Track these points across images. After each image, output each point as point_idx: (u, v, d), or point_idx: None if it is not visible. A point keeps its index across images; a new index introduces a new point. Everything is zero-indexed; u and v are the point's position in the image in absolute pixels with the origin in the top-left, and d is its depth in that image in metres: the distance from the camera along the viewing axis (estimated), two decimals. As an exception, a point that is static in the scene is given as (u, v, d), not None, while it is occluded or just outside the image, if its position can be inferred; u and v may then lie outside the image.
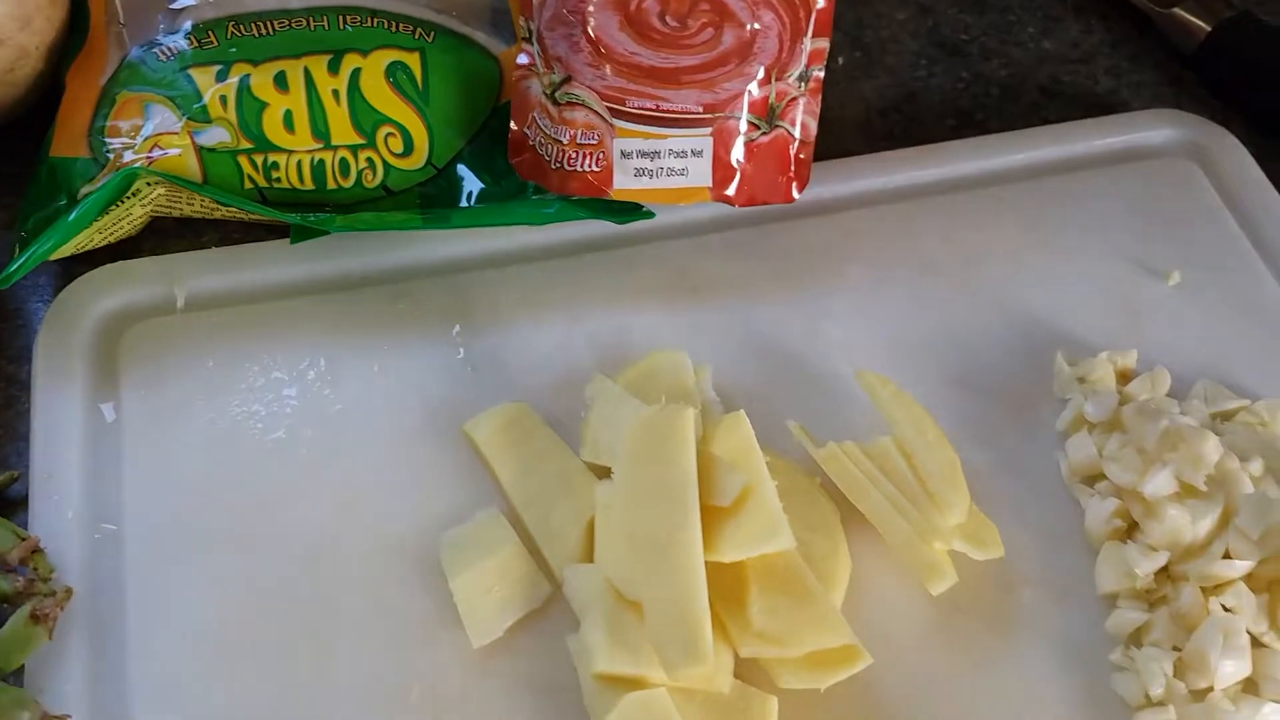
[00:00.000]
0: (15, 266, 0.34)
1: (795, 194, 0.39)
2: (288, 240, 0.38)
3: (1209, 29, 0.48)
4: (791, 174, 0.39)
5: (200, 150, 0.37)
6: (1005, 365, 0.39)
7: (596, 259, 0.40)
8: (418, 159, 0.39)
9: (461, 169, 0.40)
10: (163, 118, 0.37)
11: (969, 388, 0.38)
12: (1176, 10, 0.49)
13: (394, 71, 0.39)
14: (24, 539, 0.31)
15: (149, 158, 0.36)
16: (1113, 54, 0.50)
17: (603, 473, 0.34)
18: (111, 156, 0.36)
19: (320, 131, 0.38)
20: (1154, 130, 0.45)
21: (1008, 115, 0.47)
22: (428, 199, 0.39)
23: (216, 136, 0.37)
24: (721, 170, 0.37)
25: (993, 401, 0.38)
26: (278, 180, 0.38)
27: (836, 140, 0.44)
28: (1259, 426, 0.37)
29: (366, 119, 0.38)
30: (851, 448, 0.34)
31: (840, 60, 0.48)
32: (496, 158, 0.40)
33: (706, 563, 0.31)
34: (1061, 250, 0.42)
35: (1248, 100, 0.48)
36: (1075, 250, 0.42)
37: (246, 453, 0.35)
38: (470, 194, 0.40)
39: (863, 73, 0.48)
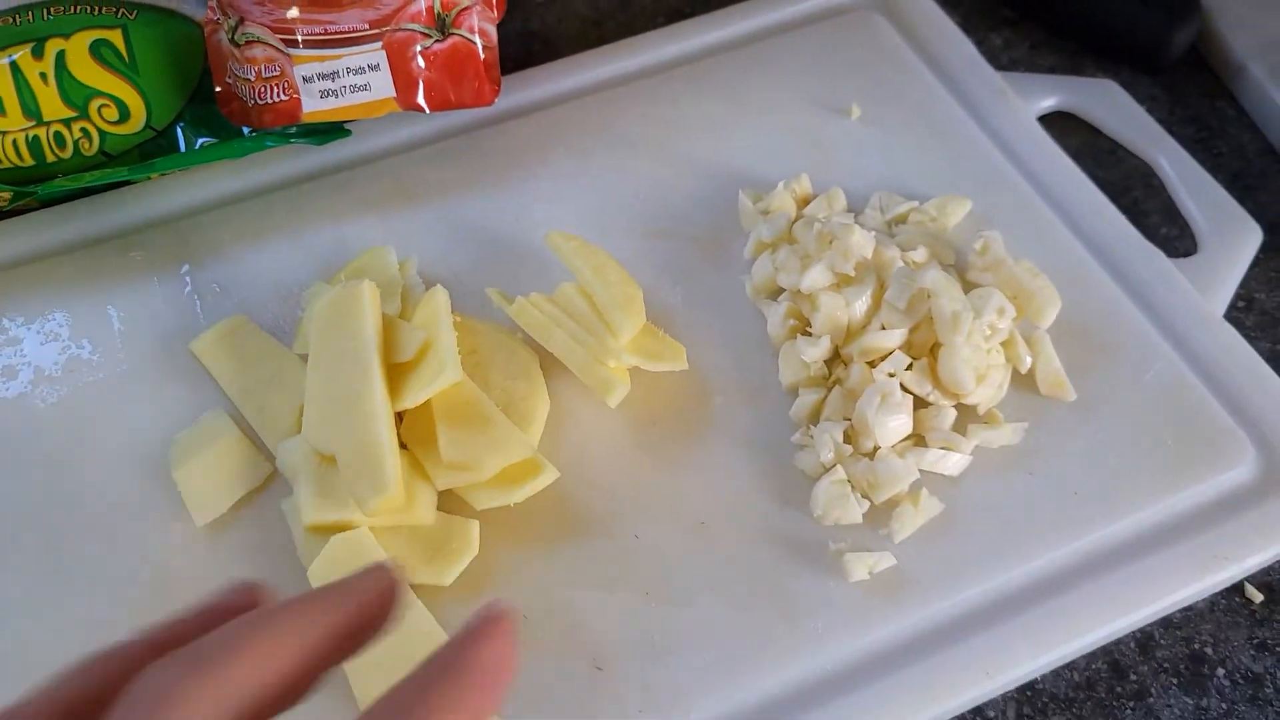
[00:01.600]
0: None
1: (492, 97, 0.42)
2: (24, 216, 0.41)
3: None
4: (485, 78, 0.42)
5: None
6: (700, 214, 0.42)
7: (315, 186, 0.43)
8: (135, 124, 0.42)
9: (182, 128, 0.43)
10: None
11: (668, 237, 0.41)
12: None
13: (98, 48, 0.42)
14: None
15: None
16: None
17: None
18: None
19: (31, 111, 0.41)
20: (841, -10, 0.49)
21: (718, 6, 0.50)
22: (148, 157, 0.43)
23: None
24: (403, 79, 0.41)
25: (689, 246, 0.41)
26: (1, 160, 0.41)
27: (555, 55, 0.47)
28: (929, 223, 0.40)
29: (77, 94, 0.42)
30: (538, 298, 0.37)
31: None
32: (213, 115, 0.43)
33: (400, 413, 0.34)
34: (753, 109, 0.45)
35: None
36: (765, 107, 0.45)
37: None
38: (196, 149, 0.43)
39: (575, -11, 0.51)
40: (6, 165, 0.41)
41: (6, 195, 0.40)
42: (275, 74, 0.40)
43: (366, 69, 0.40)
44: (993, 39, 0.50)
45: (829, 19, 0.48)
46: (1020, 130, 0.43)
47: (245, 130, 0.43)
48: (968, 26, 0.49)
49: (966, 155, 0.43)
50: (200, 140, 0.43)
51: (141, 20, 0.43)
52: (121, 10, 0.43)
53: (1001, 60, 0.49)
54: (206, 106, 0.43)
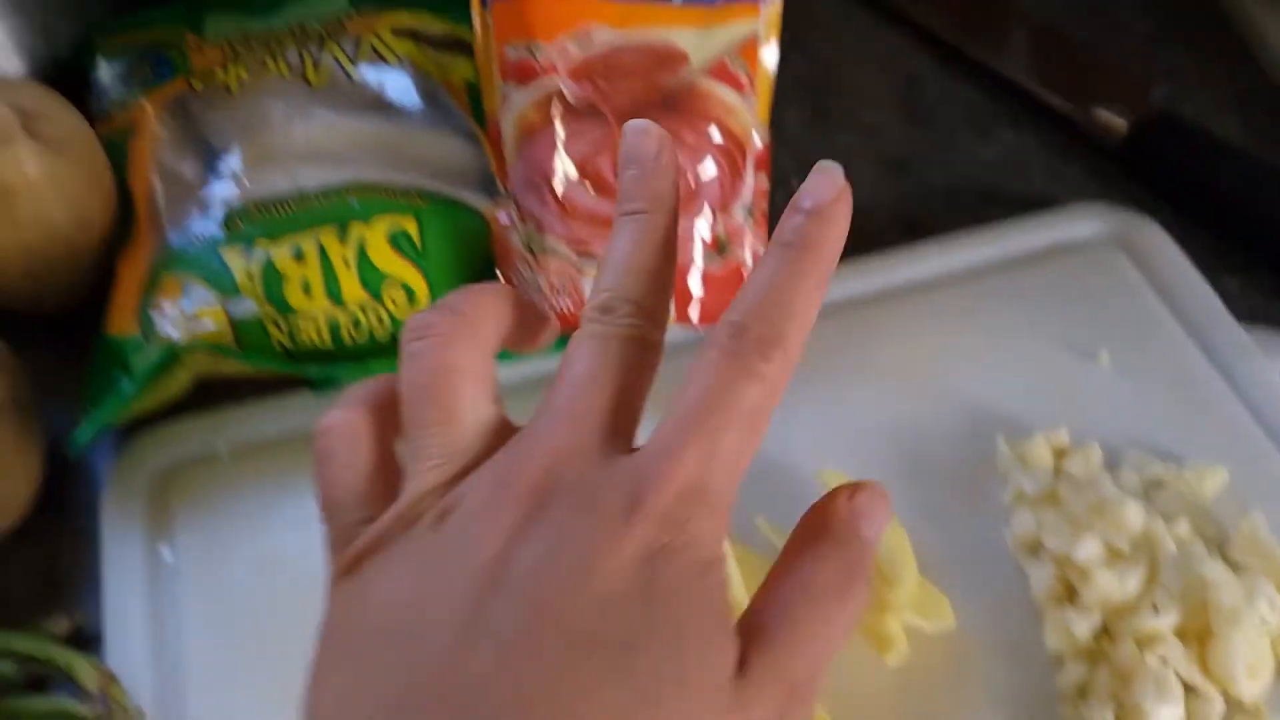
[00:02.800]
0: (81, 435, 0.40)
1: (753, 312, 0.44)
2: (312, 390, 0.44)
3: (1128, 126, 0.53)
4: (749, 295, 0.44)
5: (233, 321, 0.43)
6: (953, 450, 0.43)
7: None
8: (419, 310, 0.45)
9: (459, 314, 0.46)
10: (200, 295, 0.43)
11: (921, 472, 0.42)
12: (1097, 110, 0.54)
13: (395, 236, 0.45)
14: (100, 670, 0.36)
15: (190, 331, 0.42)
16: (1044, 155, 0.55)
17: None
18: (158, 331, 0.43)
19: (334, 294, 0.44)
20: (1082, 224, 0.50)
21: (951, 221, 0.52)
22: (431, 343, 0.45)
23: (246, 308, 0.43)
24: (682, 297, 0.43)
25: (943, 483, 0.42)
26: (300, 340, 0.44)
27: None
28: (1186, 491, 0.41)
29: (373, 280, 0.44)
30: (811, 537, 0.39)
31: (794, 182, 0.54)
32: (490, 302, 0.46)
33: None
34: (1000, 342, 0.46)
35: (1169, 189, 0.52)
36: (1012, 341, 0.46)
37: (286, 580, 0.40)
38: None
39: (815, 194, 0.53)
40: (306, 344, 0.44)
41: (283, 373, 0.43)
42: (566, 284, 0.42)
43: (652, 288, 0.42)
44: (1226, 282, 0.50)
45: (1071, 254, 0.49)
46: (1272, 395, 0.44)
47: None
48: (1199, 268, 0.50)
49: (1218, 416, 0.43)
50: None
51: (432, 209, 0.46)
52: (415, 197, 0.46)
53: (1239, 308, 0.50)
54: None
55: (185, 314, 0.43)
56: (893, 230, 0.52)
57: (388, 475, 0.26)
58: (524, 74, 0.41)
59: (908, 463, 0.43)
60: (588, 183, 0.42)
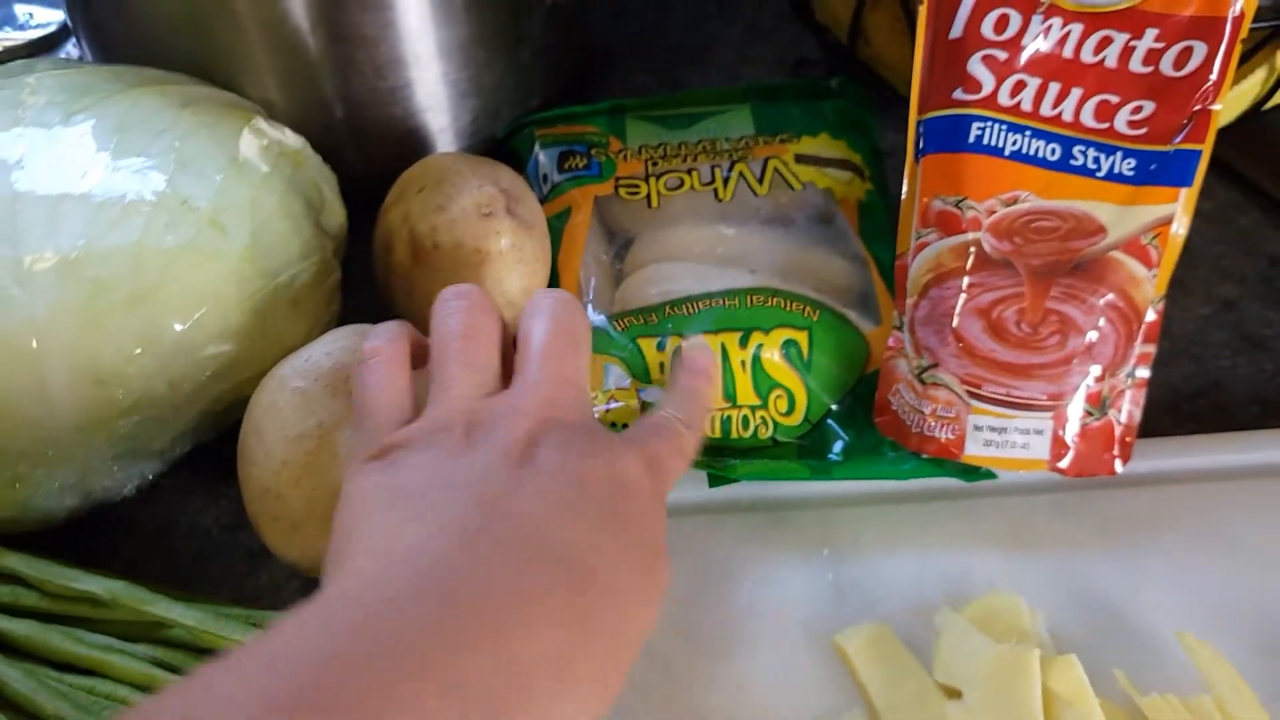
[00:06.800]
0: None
1: (1118, 468, 0.46)
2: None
3: None
4: (1115, 452, 0.46)
5: (642, 404, 0.48)
6: (1312, 641, 0.43)
7: (940, 507, 0.48)
8: (797, 417, 0.49)
9: (830, 425, 0.50)
10: (617, 376, 0.49)
11: (1275, 657, 0.43)
12: None
13: (787, 347, 0.50)
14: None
15: (606, 408, 0.48)
16: None
17: (952, 693, 0.41)
18: (580, 400, 0.49)
19: (729, 394, 0.49)
20: None
21: (1312, 407, 0.53)
22: (803, 450, 0.49)
23: (654, 395, 0.49)
24: (1058, 447, 0.45)
25: (1301, 673, 0.43)
26: (695, 426, 0.49)
27: (1148, 419, 0.51)
28: None
29: (764, 384, 0.49)
30: (1174, 700, 0.40)
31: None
32: (857, 416, 0.50)
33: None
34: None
35: None
36: (1381, 540, 0.46)
37: (654, 638, 0.44)
38: (836, 446, 0.49)
39: (1171, 361, 0.55)
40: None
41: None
42: (950, 416, 0.46)
43: (1031, 432, 0.45)
44: None
45: None
46: None
47: (886, 442, 0.48)
48: None
49: None
50: (840, 440, 0.49)
51: (822, 323, 0.50)
52: (808, 310, 0.50)
53: None
54: (848, 409, 0.50)
55: (603, 392, 0.49)
56: (1249, 406, 0.53)
57: (411, 398, 0.36)
58: (947, 224, 0.45)
59: (1264, 642, 0.43)
60: (989, 328, 0.45)
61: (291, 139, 0.49)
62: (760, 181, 0.55)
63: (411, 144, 0.59)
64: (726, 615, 0.45)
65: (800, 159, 0.57)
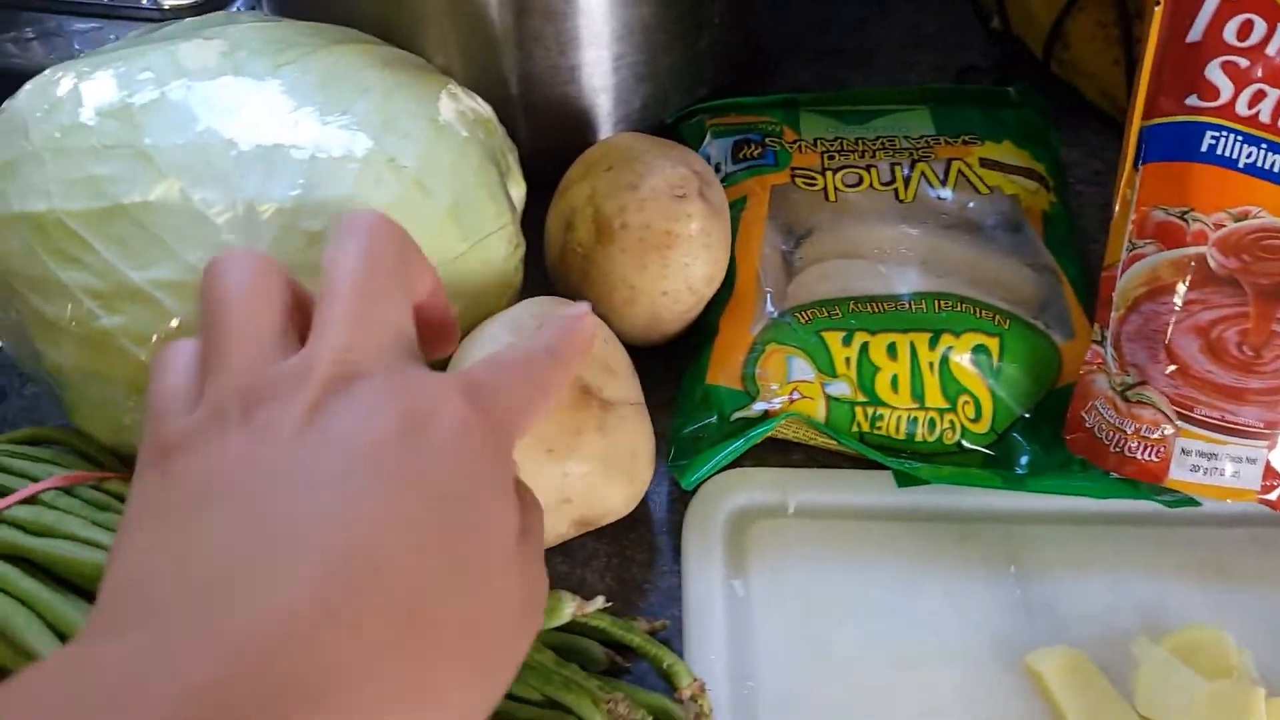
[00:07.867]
0: (697, 475, 0.46)
1: (1316, 506, 0.44)
2: (871, 470, 0.47)
3: None
4: (1322, 486, 0.44)
5: (828, 398, 0.47)
6: None
7: (1129, 531, 0.46)
8: (984, 425, 0.48)
9: (1016, 436, 0.48)
10: (801, 368, 0.48)
11: None
12: None
13: (977, 352, 0.48)
14: (695, 680, 0.40)
15: (790, 400, 0.47)
16: None
17: (1156, 726, 0.39)
18: (761, 394, 0.47)
19: (918, 394, 0.47)
20: None
21: None
22: (988, 460, 0.47)
23: (840, 389, 0.47)
24: (1270, 477, 0.43)
25: None
26: (878, 428, 0.47)
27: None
28: None
29: (951, 388, 0.47)
30: (1401, 752, 0.38)
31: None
32: (1043, 430, 0.48)
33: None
34: None
35: None
36: None
37: (844, 643, 0.43)
38: (1022, 459, 0.47)
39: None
40: (881, 434, 0.47)
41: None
42: (1155, 437, 0.44)
43: (1244, 460, 0.43)
44: None
45: None
46: None
47: (1075, 460, 0.46)
48: None
49: None
50: (1025, 454, 0.48)
51: (1013, 331, 0.48)
52: (999, 318, 0.49)
53: None
54: (1035, 422, 0.48)
55: (787, 383, 0.47)
56: None
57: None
58: (1168, 236, 0.43)
59: None
60: (1206, 348, 0.43)
61: (483, 107, 0.49)
62: (944, 182, 0.54)
63: (580, 125, 0.59)
64: (914, 625, 0.43)
65: (985, 163, 0.55)
